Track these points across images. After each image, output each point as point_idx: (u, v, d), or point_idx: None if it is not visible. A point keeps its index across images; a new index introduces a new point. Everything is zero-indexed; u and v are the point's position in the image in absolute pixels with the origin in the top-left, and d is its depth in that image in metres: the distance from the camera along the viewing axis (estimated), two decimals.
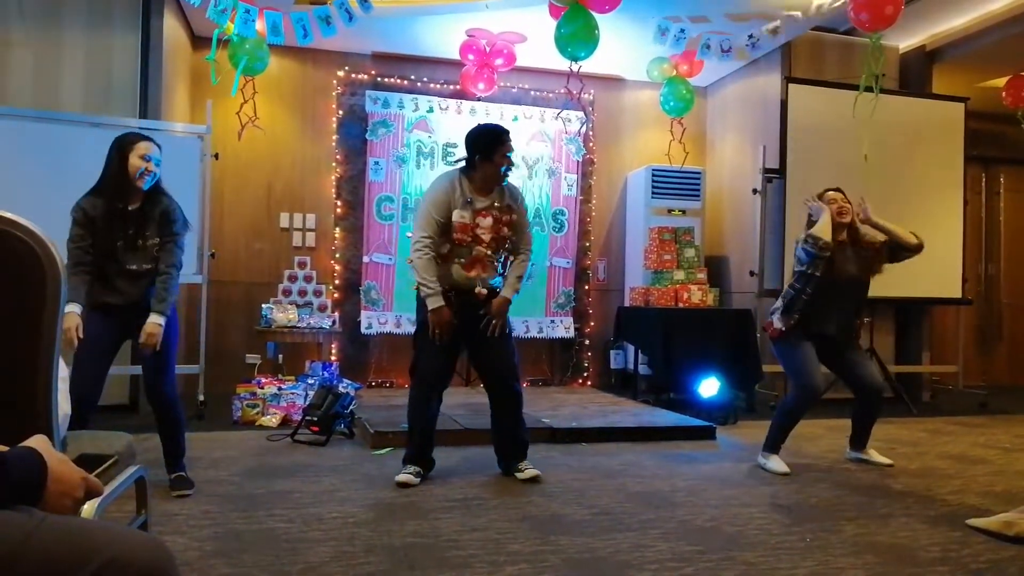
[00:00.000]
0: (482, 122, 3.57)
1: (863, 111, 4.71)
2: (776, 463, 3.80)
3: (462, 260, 3.44)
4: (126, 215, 3.08)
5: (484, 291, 3.45)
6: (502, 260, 3.58)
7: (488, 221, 3.43)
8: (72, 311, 2.90)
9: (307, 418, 4.37)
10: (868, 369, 3.91)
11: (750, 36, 5.44)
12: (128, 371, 4.77)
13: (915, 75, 6.79)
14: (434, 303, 3.34)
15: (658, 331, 5.63)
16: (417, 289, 3.48)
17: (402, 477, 3.38)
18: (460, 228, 3.39)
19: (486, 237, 3.44)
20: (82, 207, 3.04)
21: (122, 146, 3.07)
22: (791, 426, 3.88)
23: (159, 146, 3.15)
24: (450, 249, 3.43)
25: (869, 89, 4.66)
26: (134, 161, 3.05)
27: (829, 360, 3.89)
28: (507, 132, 3.48)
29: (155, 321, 3.04)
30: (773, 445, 3.87)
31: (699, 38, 5.52)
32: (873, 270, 3.83)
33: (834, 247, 3.70)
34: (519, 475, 3.51)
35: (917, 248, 3.85)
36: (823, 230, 3.69)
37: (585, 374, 7.01)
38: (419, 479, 3.42)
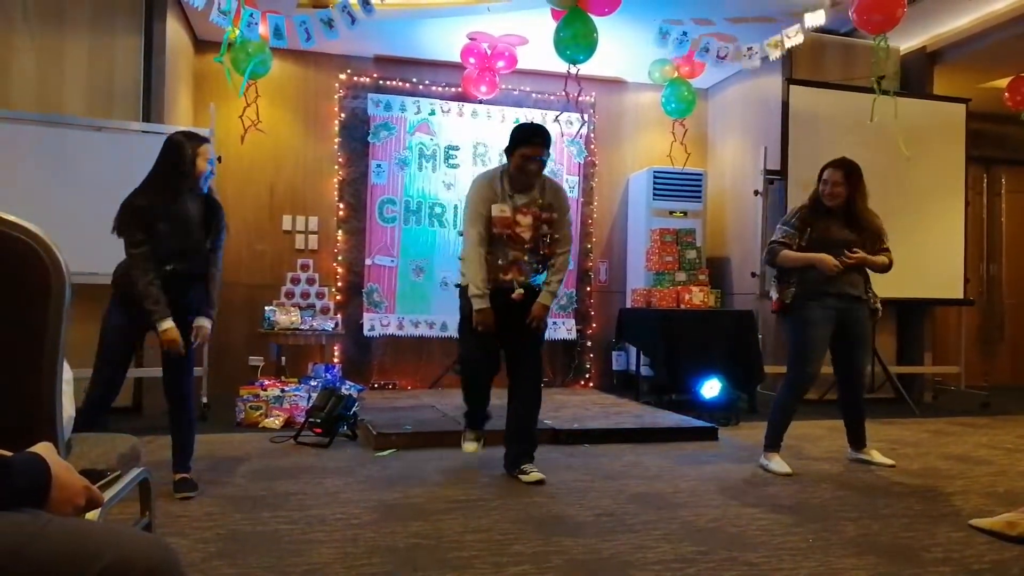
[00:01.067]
0: (531, 122, 3.79)
1: (883, 114, 4.77)
2: (778, 464, 3.80)
3: (500, 263, 3.49)
4: (186, 217, 3.04)
5: (522, 292, 3.50)
6: (540, 259, 3.60)
7: (528, 219, 3.49)
8: (171, 326, 2.95)
9: (310, 420, 4.38)
10: (859, 357, 3.92)
11: (749, 48, 5.45)
12: (132, 373, 4.77)
13: (916, 76, 6.79)
14: (479, 304, 3.42)
15: (660, 332, 5.63)
16: (460, 285, 3.60)
17: (468, 447, 3.79)
18: (500, 222, 3.45)
19: (525, 235, 3.49)
20: (143, 207, 2.95)
21: (186, 147, 3.01)
22: (787, 421, 3.90)
23: None
24: (490, 250, 3.49)
25: (886, 92, 4.71)
26: (201, 165, 3.03)
27: (839, 329, 3.83)
28: (535, 134, 3.45)
29: (207, 325, 3.14)
30: (773, 443, 3.88)
31: (699, 40, 5.52)
32: (865, 242, 3.82)
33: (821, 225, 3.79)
34: (523, 477, 3.51)
35: (885, 268, 3.87)
36: (795, 259, 3.76)
37: (587, 375, 7.02)
38: (481, 444, 3.81)
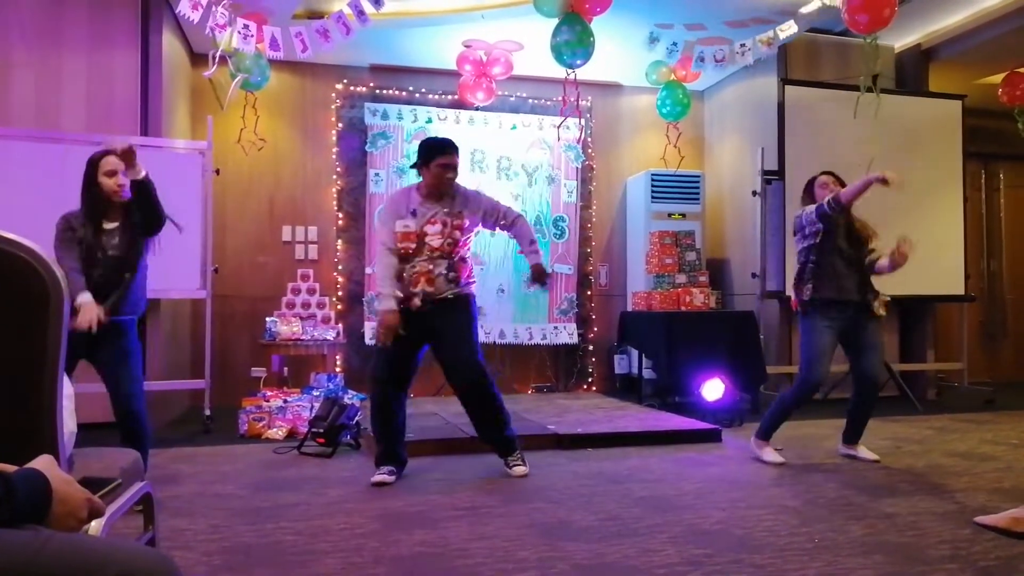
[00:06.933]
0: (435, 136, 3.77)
1: (866, 113, 4.78)
2: (770, 454, 3.95)
3: (407, 276, 3.55)
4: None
5: (418, 303, 3.52)
6: (453, 266, 3.58)
7: (436, 228, 3.56)
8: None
9: (313, 430, 4.37)
10: (876, 359, 3.99)
11: (742, 45, 5.46)
12: None
13: (912, 74, 6.80)
14: (382, 305, 3.49)
15: (661, 335, 5.63)
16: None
17: (377, 478, 3.52)
18: (402, 237, 3.55)
19: (435, 243, 3.55)
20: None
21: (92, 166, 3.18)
22: (783, 417, 4.02)
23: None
24: (400, 267, 3.57)
25: (871, 90, 4.71)
26: (104, 181, 3.16)
27: (848, 336, 3.93)
28: (449, 143, 3.61)
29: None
30: (766, 433, 4.02)
31: (692, 46, 5.53)
32: (863, 252, 3.94)
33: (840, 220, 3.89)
34: (509, 470, 3.67)
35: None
36: (854, 189, 3.79)
37: (590, 379, 7.01)
38: (394, 477, 3.56)
